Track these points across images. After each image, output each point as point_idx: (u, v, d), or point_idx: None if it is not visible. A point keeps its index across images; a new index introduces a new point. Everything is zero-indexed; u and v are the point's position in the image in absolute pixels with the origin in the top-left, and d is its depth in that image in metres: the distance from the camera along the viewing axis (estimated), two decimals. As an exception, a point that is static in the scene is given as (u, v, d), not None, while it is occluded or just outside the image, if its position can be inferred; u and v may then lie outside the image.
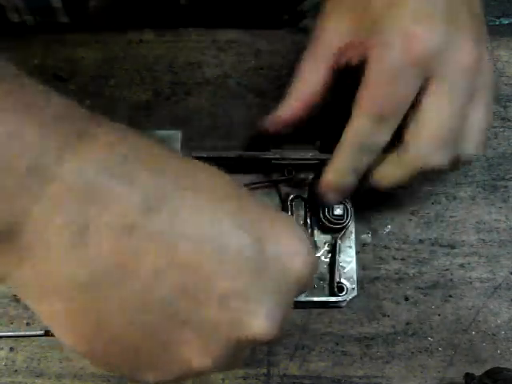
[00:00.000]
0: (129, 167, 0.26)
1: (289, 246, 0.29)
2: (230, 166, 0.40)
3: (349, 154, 0.41)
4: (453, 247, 0.48)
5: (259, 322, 0.27)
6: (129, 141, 0.27)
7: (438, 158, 0.39)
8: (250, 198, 0.30)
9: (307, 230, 0.45)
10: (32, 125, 0.24)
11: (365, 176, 0.42)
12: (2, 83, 0.24)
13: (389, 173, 0.41)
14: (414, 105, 0.39)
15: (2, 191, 0.23)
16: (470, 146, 0.40)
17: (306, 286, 0.31)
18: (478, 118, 0.40)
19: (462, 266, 0.47)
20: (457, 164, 0.41)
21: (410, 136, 0.39)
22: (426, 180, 0.48)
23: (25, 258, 0.25)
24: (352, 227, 0.46)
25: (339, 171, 0.42)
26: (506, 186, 0.49)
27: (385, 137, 0.39)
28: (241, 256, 0.27)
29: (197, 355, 0.27)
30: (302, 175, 0.46)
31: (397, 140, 0.40)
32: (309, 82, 0.42)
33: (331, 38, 0.41)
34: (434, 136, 0.39)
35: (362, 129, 0.39)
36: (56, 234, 0.24)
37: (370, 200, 0.48)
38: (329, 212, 0.45)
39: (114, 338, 0.27)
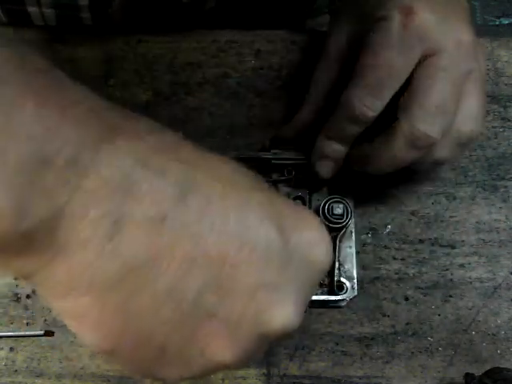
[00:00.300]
0: (160, 159, 0.26)
1: (311, 236, 0.29)
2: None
3: (340, 121, 0.42)
4: (453, 247, 0.48)
5: (285, 313, 0.27)
6: (157, 133, 0.27)
7: (428, 128, 0.39)
8: (273, 191, 0.30)
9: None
10: (70, 119, 0.24)
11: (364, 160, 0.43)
12: (43, 78, 0.24)
13: (383, 148, 0.41)
14: (411, 79, 0.39)
15: (41, 187, 0.23)
16: (465, 120, 0.40)
17: (323, 276, 0.31)
18: (474, 97, 0.40)
19: (462, 266, 0.47)
20: (455, 145, 0.41)
21: (402, 106, 0.40)
22: (425, 168, 0.46)
23: (58, 255, 0.24)
24: (352, 227, 0.46)
25: (328, 138, 0.43)
26: (505, 186, 0.49)
27: (377, 106, 0.40)
28: (268, 247, 0.27)
29: (222, 349, 0.27)
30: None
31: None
32: (324, 83, 0.45)
33: (339, 37, 0.44)
34: (425, 104, 0.39)
35: (355, 97, 0.40)
36: (92, 228, 0.24)
37: (370, 200, 0.48)
38: (329, 212, 0.45)
39: (142, 332, 0.26)
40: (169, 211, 0.25)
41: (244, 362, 0.29)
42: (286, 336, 0.29)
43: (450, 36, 0.39)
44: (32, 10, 0.51)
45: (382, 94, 0.40)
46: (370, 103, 0.40)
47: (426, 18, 0.39)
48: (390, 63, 0.39)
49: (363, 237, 0.48)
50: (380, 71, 0.39)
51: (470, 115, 0.40)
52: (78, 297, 0.25)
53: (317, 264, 0.29)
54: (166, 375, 0.28)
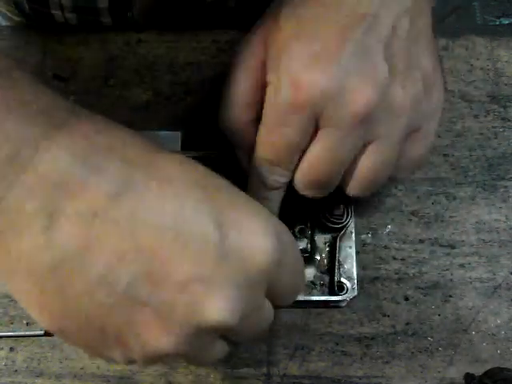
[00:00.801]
0: (101, 157, 0.27)
1: (251, 236, 0.29)
2: (230, 166, 0.41)
3: (252, 192, 0.40)
4: (453, 247, 0.48)
5: (216, 307, 0.28)
6: (105, 132, 0.28)
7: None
8: (222, 188, 0.30)
9: (307, 229, 0.45)
10: (16, 118, 0.26)
11: None
12: None
13: None
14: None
15: None
16: (351, 188, 0.39)
17: (273, 279, 0.30)
18: (368, 167, 0.38)
19: (462, 265, 0.47)
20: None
21: (295, 177, 0.39)
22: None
23: None
24: (352, 227, 0.46)
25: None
26: (505, 186, 0.49)
27: (280, 179, 0.39)
28: (201, 242, 0.28)
29: (156, 335, 0.28)
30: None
31: None
32: (243, 91, 0.41)
33: (251, 57, 0.40)
34: (306, 179, 0.38)
35: (259, 168, 0.39)
36: (27, 221, 0.26)
37: (370, 200, 0.48)
38: (329, 212, 0.45)
39: (82, 314, 0.28)
40: (100, 208, 0.27)
41: (190, 356, 0.30)
42: (227, 331, 0.29)
43: (342, 111, 0.35)
44: (55, 13, 0.52)
45: (281, 167, 0.38)
46: (272, 174, 0.39)
47: (314, 90, 0.35)
48: (281, 139, 0.37)
49: (363, 237, 0.48)
50: (272, 147, 0.38)
51: (356, 183, 0.39)
52: (19, 281, 0.28)
53: (255, 264, 0.29)
54: (112, 356, 0.30)
